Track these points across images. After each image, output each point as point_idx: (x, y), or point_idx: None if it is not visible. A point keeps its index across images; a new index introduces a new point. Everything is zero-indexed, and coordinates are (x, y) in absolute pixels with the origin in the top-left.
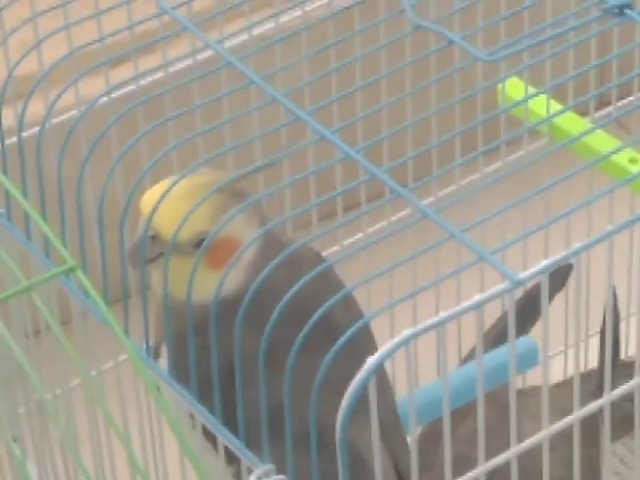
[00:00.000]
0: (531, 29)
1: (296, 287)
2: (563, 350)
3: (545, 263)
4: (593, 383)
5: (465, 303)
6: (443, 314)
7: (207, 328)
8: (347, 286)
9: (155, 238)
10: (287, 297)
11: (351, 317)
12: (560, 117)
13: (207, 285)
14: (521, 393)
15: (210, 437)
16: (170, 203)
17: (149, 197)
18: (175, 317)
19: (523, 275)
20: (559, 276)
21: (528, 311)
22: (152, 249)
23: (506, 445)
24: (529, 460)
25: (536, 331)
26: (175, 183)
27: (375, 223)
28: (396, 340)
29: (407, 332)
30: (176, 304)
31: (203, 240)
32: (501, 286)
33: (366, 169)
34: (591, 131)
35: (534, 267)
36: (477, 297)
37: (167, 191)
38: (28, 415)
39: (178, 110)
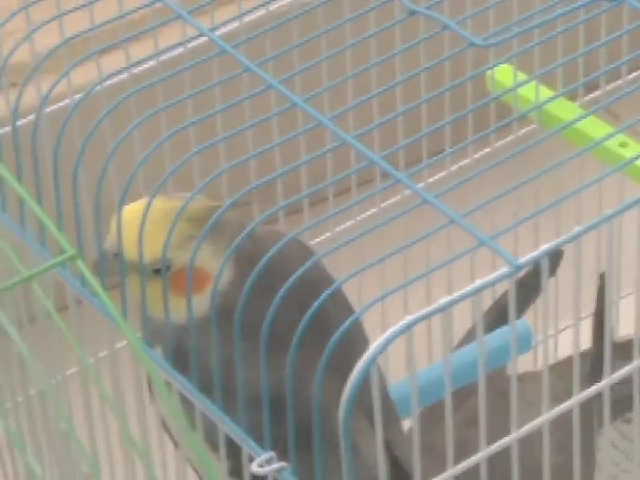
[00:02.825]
0: (520, 15)
1: (283, 289)
2: (553, 334)
3: (544, 247)
4: (585, 366)
5: (466, 288)
6: (445, 299)
7: (175, 347)
8: (336, 276)
9: (117, 256)
10: (276, 298)
11: (340, 305)
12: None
13: (171, 310)
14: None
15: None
16: (135, 225)
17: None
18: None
19: (522, 259)
20: (550, 263)
21: (519, 298)
22: (114, 265)
23: (500, 433)
24: (523, 447)
25: (526, 316)
26: (147, 206)
27: (365, 209)
28: (399, 325)
29: (409, 317)
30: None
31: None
32: (501, 271)
33: (364, 156)
34: (581, 117)
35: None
36: (478, 282)
37: (144, 213)
38: (26, 404)
39: (170, 97)
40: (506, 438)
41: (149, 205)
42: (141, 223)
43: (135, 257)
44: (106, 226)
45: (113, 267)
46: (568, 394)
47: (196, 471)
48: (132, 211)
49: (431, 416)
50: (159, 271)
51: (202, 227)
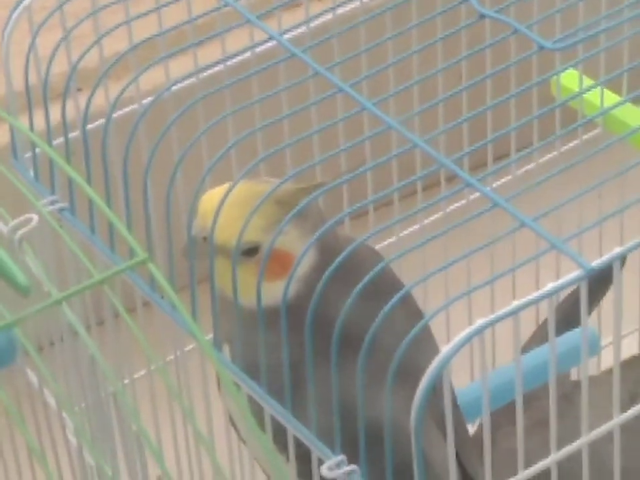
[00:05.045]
0: (585, 19)
1: (355, 292)
2: (614, 340)
3: (617, 250)
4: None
5: (539, 291)
6: (516, 302)
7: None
8: (402, 280)
9: (206, 239)
10: (349, 300)
11: (410, 313)
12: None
13: (254, 293)
14: (578, 384)
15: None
16: (224, 209)
17: (206, 199)
18: (230, 317)
19: (595, 262)
20: (608, 270)
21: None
22: (203, 249)
23: (564, 437)
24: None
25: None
26: (231, 188)
27: (431, 213)
28: (470, 329)
29: (480, 321)
30: (228, 304)
31: (251, 249)
32: (573, 274)
33: (435, 159)
34: None
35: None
36: (550, 285)
37: (225, 195)
38: (95, 407)
39: (237, 101)
40: (577, 442)
41: (231, 187)
42: (224, 204)
43: (223, 240)
44: (176, 228)
45: (201, 251)
46: (631, 397)
47: (264, 470)
48: (219, 194)
49: (493, 422)
50: (249, 253)
51: (290, 211)
